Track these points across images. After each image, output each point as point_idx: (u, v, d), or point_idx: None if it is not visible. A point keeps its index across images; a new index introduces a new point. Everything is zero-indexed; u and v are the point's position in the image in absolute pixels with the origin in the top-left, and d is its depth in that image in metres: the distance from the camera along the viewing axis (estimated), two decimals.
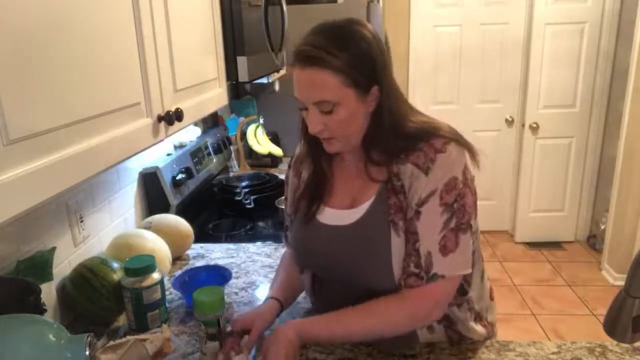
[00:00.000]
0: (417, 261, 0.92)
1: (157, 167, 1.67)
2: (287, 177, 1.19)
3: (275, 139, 2.70)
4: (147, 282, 1.12)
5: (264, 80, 2.44)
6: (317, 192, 1.06)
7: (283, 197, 1.97)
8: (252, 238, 1.74)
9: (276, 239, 1.72)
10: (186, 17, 1.22)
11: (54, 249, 1.10)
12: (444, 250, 0.91)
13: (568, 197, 3.79)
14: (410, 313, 0.95)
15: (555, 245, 3.83)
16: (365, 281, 0.98)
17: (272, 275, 1.42)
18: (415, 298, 0.93)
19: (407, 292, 0.93)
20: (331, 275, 1.05)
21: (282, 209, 1.71)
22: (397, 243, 0.94)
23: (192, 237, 1.57)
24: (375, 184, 0.98)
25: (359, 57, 0.89)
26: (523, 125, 3.66)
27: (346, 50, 0.88)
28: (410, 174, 0.93)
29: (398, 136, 0.95)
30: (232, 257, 1.56)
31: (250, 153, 2.59)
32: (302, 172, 1.12)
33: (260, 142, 2.53)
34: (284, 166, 2.66)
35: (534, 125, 3.61)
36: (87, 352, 0.71)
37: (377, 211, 0.97)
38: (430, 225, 0.91)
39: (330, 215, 1.04)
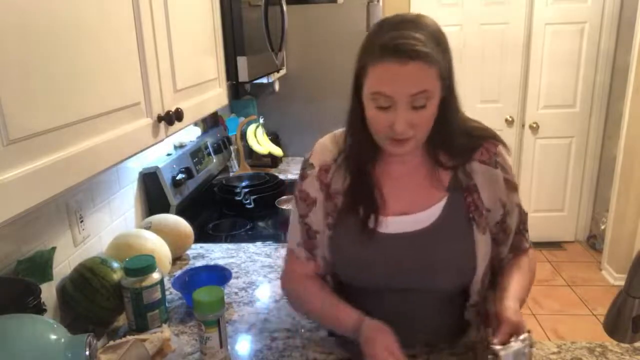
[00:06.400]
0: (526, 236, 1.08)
1: (157, 167, 1.67)
2: (301, 191, 1.04)
3: (275, 139, 2.70)
4: (147, 282, 1.12)
5: (264, 80, 2.45)
6: (370, 201, 0.98)
7: (283, 197, 2.00)
8: (252, 238, 1.74)
9: (276, 239, 1.72)
10: (186, 17, 1.22)
11: (54, 249, 1.10)
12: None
13: (568, 197, 3.79)
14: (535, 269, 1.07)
15: (555, 245, 3.83)
16: (438, 284, 0.94)
17: (271, 275, 1.42)
18: (532, 258, 1.07)
19: (529, 253, 1.07)
20: (390, 286, 0.97)
21: (288, 218, 1.65)
22: (481, 241, 0.95)
23: (192, 237, 1.57)
24: (442, 185, 0.97)
25: (450, 61, 0.90)
26: (523, 125, 3.65)
27: (447, 52, 0.89)
28: (481, 171, 0.97)
29: (462, 134, 0.97)
30: (232, 257, 1.56)
31: (250, 153, 2.60)
32: (330, 182, 1.02)
33: (260, 142, 2.53)
34: (284, 166, 2.66)
35: (534, 125, 3.61)
36: (87, 352, 0.71)
37: (453, 211, 0.96)
38: (521, 208, 1.06)
39: (390, 224, 0.98)
